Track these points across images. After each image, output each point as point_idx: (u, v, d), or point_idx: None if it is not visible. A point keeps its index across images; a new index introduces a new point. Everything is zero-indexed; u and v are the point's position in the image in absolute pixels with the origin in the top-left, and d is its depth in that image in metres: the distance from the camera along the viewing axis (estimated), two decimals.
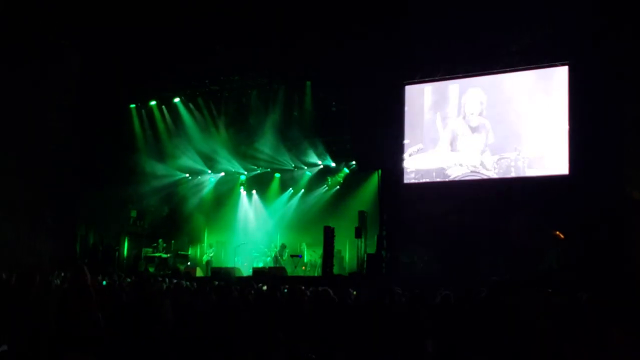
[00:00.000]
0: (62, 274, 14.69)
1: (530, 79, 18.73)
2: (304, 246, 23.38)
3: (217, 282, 13.70)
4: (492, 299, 7.26)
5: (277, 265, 21.82)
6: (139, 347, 8.24)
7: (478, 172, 19.12)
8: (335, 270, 20.25)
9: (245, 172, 25.72)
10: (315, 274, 21.65)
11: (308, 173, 24.56)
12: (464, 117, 19.56)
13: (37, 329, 6.28)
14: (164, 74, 23.69)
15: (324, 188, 24.02)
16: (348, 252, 22.32)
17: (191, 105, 25.34)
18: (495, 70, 19.15)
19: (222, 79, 24.16)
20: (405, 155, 20.13)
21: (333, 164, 23.74)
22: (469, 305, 8.53)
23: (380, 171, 21.20)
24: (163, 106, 25.74)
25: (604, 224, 16.46)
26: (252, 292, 11.08)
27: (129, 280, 15.54)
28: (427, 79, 20.27)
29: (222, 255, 24.89)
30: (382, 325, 8.33)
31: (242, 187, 25.93)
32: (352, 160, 23.11)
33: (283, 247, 23.13)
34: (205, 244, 25.51)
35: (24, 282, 6.55)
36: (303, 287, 10.25)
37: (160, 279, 14.53)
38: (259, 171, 25.40)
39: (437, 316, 8.46)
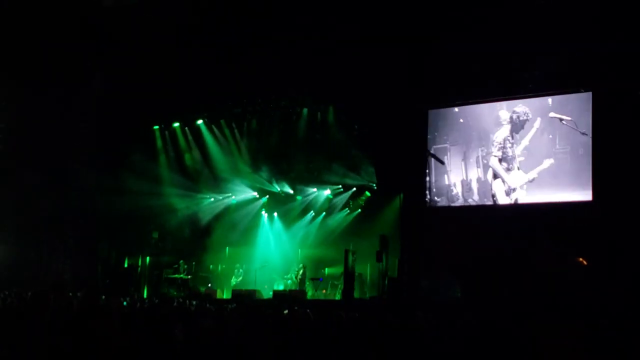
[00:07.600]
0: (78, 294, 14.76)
1: (554, 105, 18.61)
2: (326, 271, 23.25)
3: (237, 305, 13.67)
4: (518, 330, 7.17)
5: (298, 288, 21.78)
6: None
7: (501, 198, 19.01)
8: (356, 294, 20.17)
9: (267, 194, 25.71)
10: (336, 297, 21.48)
11: (329, 196, 24.47)
12: (487, 143, 19.47)
13: (50, 348, 6.24)
14: (188, 96, 23.82)
15: (345, 211, 23.92)
16: (369, 275, 22.14)
17: (214, 127, 25.47)
18: (519, 96, 19.06)
19: (245, 101, 24.23)
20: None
21: (355, 187, 23.64)
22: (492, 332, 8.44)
23: (402, 195, 21.07)
24: (186, 127, 25.91)
25: (627, 251, 16.29)
26: (272, 314, 11.02)
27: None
28: (450, 104, 20.23)
29: (243, 277, 24.79)
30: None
31: (263, 209, 25.90)
32: (374, 184, 22.99)
33: (305, 268, 23.03)
34: (227, 266, 25.34)
35: (39, 302, 6.52)
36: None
37: (181, 300, 14.54)
38: (280, 193, 25.35)
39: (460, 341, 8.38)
